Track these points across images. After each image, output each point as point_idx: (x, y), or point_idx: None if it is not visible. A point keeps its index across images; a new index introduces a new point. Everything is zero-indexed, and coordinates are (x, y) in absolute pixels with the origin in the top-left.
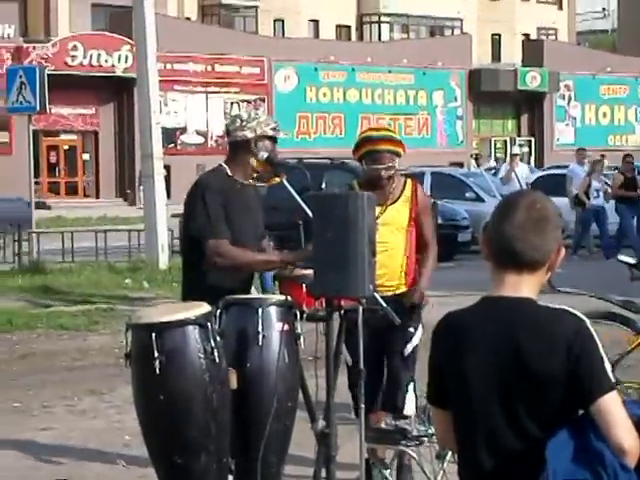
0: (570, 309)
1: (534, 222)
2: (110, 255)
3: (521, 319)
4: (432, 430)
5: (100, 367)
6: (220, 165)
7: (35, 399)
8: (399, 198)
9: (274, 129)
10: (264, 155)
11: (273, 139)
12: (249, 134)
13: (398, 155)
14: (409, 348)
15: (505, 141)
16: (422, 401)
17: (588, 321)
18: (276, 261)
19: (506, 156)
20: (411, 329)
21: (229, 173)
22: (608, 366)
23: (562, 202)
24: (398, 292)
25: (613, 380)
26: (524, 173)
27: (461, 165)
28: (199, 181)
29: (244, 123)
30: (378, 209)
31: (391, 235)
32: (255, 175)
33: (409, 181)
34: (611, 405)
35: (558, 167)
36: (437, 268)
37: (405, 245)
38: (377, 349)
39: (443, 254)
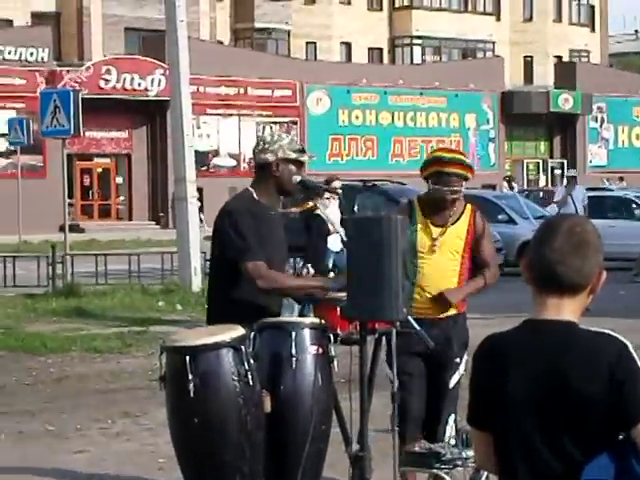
0: (612, 333)
1: (575, 245)
2: (143, 278)
3: (564, 343)
4: (466, 454)
5: (133, 390)
6: (246, 189)
7: (69, 422)
8: (458, 220)
9: (298, 151)
10: (297, 178)
11: (298, 162)
12: (270, 157)
13: (466, 179)
14: (454, 379)
15: (538, 163)
16: (457, 424)
17: (630, 345)
18: (317, 286)
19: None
20: (457, 359)
21: (255, 197)
22: None
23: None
24: (451, 314)
25: None
26: (580, 196)
27: (494, 187)
28: (227, 206)
29: (266, 146)
30: (438, 230)
31: (446, 257)
32: (282, 195)
33: (469, 206)
34: None
35: (592, 189)
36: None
37: (459, 269)
38: (421, 375)
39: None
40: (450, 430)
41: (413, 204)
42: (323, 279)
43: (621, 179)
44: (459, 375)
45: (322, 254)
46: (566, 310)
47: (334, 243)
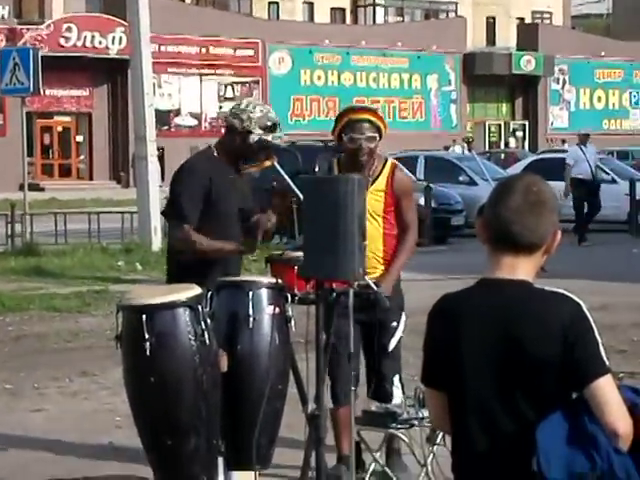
0: (566, 292)
1: (530, 205)
2: (103, 237)
3: (517, 302)
4: (422, 413)
5: (92, 349)
6: (209, 146)
7: (27, 381)
8: (376, 180)
9: (265, 128)
10: (254, 138)
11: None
12: (237, 124)
13: (379, 130)
14: (393, 343)
15: (499, 125)
16: (412, 384)
17: (584, 304)
18: (232, 250)
19: (500, 140)
20: (394, 323)
21: (215, 154)
22: (603, 350)
23: (558, 186)
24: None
25: (608, 364)
26: (592, 155)
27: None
28: (184, 163)
29: (237, 112)
30: None
31: (367, 222)
32: (241, 158)
33: (388, 163)
34: (605, 388)
35: (553, 151)
36: (430, 252)
37: (382, 232)
38: (358, 340)
39: (437, 237)
40: (397, 390)
41: (332, 165)
42: (237, 244)
43: (563, 142)
44: (398, 337)
45: None
46: (520, 269)
47: None
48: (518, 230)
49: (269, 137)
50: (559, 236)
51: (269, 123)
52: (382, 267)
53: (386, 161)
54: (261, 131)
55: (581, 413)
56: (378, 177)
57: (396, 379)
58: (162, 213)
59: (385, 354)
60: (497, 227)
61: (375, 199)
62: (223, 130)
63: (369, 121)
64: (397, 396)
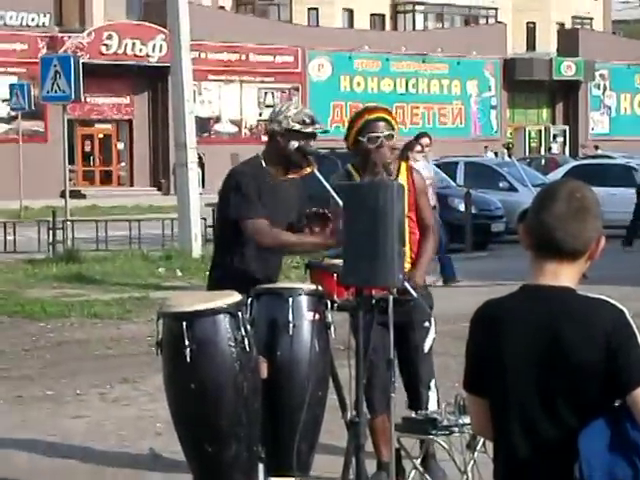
0: (609, 299)
1: (574, 211)
2: (144, 244)
3: (560, 308)
4: (463, 420)
5: (133, 355)
6: (257, 155)
7: (68, 387)
8: (396, 180)
9: (303, 123)
10: (295, 144)
11: (304, 133)
12: (276, 127)
13: (392, 129)
14: (428, 343)
15: (539, 130)
16: (452, 391)
17: (627, 311)
18: (317, 242)
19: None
20: (426, 324)
21: (263, 163)
22: None
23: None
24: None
25: None
26: None
27: (495, 154)
28: (233, 169)
29: (274, 116)
30: None
31: None
32: (288, 165)
33: (404, 164)
34: None
35: (594, 157)
36: (470, 258)
37: (407, 231)
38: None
39: (477, 244)
40: (433, 394)
41: (349, 170)
42: (322, 235)
43: (596, 147)
44: (432, 338)
45: None
46: (563, 276)
47: None
48: (561, 237)
49: (309, 129)
50: (603, 242)
51: (306, 118)
52: (409, 266)
53: (400, 161)
54: (300, 126)
55: (623, 420)
56: (397, 177)
57: (432, 383)
58: (228, 218)
59: (421, 356)
60: (540, 234)
61: None
62: (265, 139)
63: (385, 119)
64: (433, 400)
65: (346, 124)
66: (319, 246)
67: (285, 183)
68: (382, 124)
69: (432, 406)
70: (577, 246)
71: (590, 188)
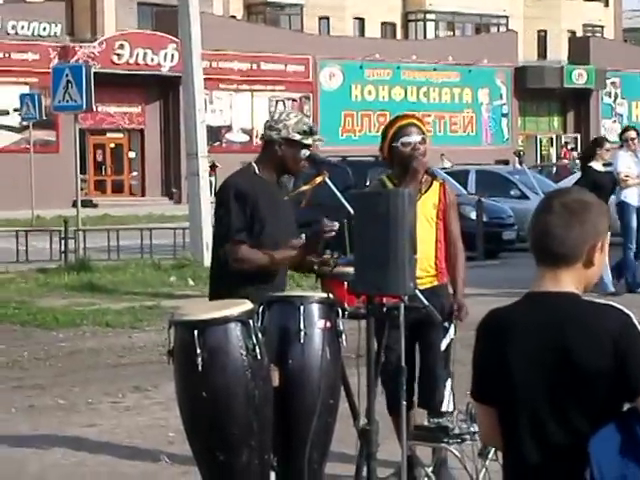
0: (615, 304)
1: (561, 216)
2: (155, 253)
3: (565, 315)
4: (474, 428)
5: (145, 364)
6: (250, 164)
7: (80, 396)
8: (428, 190)
9: (303, 133)
10: (306, 153)
11: (303, 144)
12: (275, 135)
13: (423, 134)
14: (445, 342)
15: (551, 138)
16: (465, 399)
17: (633, 316)
18: (294, 254)
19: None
20: (445, 323)
21: (257, 172)
22: None
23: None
24: (432, 285)
25: None
26: None
27: (506, 163)
28: (225, 183)
29: (273, 123)
30: None
31: (423, 225)
32: (282, 173)
33: (436, 181)
34: None
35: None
36: (481, 266)
37: (436, 235)
38: (409, 345)
39: (488, 252)
40: (448, 395)
41: (383, 181)
42: (294, 242)
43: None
44: (449, 338)
45: None
46: (564, 282)
47: None
48: (548, 241)
49: (309, 141)
50: (605, 249)
51: (305, 127)
52: (434, 272)
53: (432, 179)
54: (300, 137)
55: (634, 424)
56: (429, 188)
57: (448, 383)
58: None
59: (437, 354)
60: (533, 240)
61: (431, 205)
62: (261, 147)
63: (416, 125)
64: (448, 402)
65: (379, 134)
66: (298, 257)
67: (277, 188)
68: (414, 129)
69: (447, 407)
70: (562, 250)
71: (588, 196)
